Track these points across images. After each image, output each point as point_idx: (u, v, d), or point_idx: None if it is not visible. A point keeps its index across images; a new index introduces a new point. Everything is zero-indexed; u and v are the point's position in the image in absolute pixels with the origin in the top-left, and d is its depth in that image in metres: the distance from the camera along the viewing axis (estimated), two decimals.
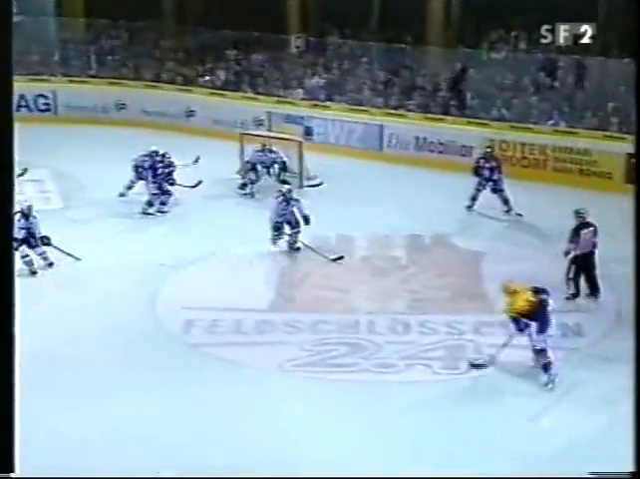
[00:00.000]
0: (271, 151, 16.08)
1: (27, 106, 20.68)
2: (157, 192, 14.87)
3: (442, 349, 10.09)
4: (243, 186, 16.01)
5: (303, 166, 16.53)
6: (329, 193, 15.87)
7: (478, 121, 17.68)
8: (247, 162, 16.13)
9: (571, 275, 11.34)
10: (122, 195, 15.41)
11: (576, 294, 11.37)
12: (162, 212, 14.87)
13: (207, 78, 21.18)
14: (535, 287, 9.52)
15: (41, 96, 21.25)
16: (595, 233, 11.34)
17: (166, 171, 15.03)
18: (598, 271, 11.39)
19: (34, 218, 12.29)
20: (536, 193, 15.37)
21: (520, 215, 14.59)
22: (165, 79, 21.48)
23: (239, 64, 21.33)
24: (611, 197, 14.14)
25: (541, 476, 7.51)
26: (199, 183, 15.48)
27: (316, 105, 19.54)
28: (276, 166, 16.07)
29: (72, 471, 7.00)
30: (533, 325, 9.29)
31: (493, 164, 14.90)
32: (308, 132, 18.98)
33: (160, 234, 14.05)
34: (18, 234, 11.81)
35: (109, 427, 8.35)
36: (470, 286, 11.93)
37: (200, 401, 8.88)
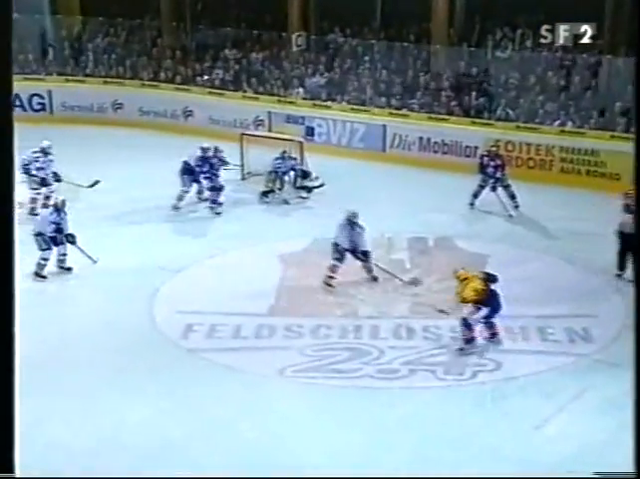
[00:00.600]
0: (291, 157, 15.95)
1: (21, 105, 20.22)
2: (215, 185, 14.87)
3: (445, 355, 9.90)
4: (266, 193, 15.72)
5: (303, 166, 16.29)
6: (331, 194, 15.60)
7: (482, 121, 17.46)
8: (270, 171, 15.77)
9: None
10: (175, 208, 14.90)
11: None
12: (218, 213, 14.85)
13: (206, 77, 20.94)
14: (486, 273, 9.96)
15: (35, 95, 20.94)
16: None
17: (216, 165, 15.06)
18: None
19: (65, 214, 12.20)
20: (542, 194, 15.21)
21: (517, 207, 14.64)
22: (163, 78, 21.21)
23: (239, 63, 21.08)
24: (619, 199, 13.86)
25: (546, 476, 7.53)
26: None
27: (317, 105, 19.30)
28: (292, 172, 15.91)
29: (71, 472, 7.16)
30: (484, 310, 9.71)
31: (498, 162, 14.86)
32: (309, 132, 18.78)
33: (158, 237, 13.81)
34: (48, 227, 11.92)
35: (106, 431, 8.31)
36: None
37: (199, 407, 8.80)
